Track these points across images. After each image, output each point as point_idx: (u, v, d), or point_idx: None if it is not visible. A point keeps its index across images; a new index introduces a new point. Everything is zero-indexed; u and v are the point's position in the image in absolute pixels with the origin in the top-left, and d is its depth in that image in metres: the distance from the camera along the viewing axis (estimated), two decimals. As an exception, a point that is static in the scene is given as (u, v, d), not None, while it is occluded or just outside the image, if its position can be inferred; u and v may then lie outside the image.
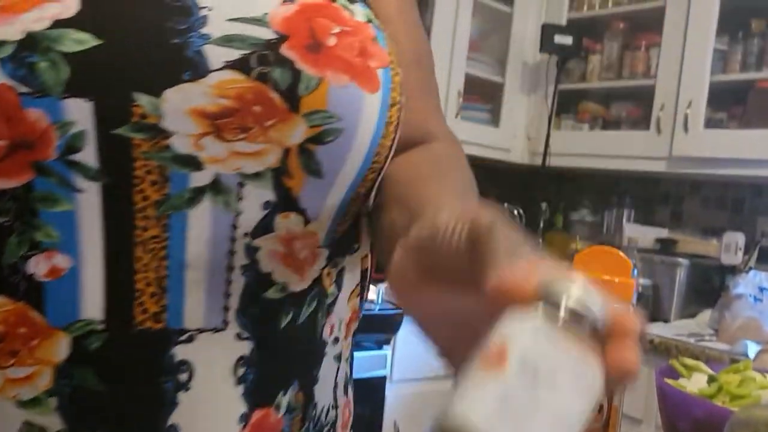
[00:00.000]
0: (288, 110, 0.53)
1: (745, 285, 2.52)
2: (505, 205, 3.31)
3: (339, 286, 0.67)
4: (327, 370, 0.67)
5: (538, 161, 3.17)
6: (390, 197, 0.64)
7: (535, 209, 3.32)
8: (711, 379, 0.73)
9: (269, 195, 0.55)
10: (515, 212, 3.40)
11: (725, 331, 2.44)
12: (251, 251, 0.56)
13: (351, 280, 0.69)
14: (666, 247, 2.93)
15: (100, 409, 0.52)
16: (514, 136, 3.23)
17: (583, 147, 3.12)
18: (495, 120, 3.22)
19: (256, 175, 0.54)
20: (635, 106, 3.06)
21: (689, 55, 2.71)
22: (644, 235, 2.98)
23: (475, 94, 3.13)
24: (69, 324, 0.50)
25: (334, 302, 0.65)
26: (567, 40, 2.99)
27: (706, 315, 2.67)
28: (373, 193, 0.65)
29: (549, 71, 3.13)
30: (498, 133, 3.17)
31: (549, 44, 3.00)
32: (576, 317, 0.36)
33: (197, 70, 0.51)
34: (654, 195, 3.19)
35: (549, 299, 0.36)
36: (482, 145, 3.01)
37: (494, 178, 3.33)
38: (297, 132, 0.55)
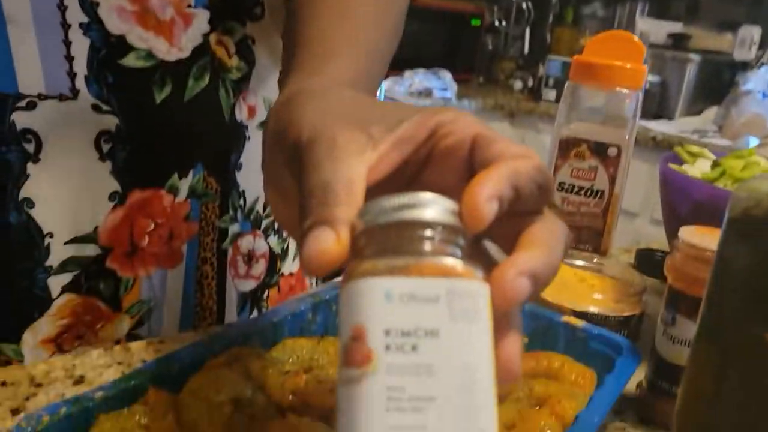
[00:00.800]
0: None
1: (755, 81, 2.47)
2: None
3: (248, 61, 0.61)
4: (255, 157, 0.59)
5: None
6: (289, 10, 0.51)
7: (544, 3, 3.16)
8: (714, 164, 0.74)
9: None
10: (524, 6, 3.25)
11: (729, 127, 2.44)
12: (89, 6, 0.51)
13: (275, 55, 0.62)
14: (678, 42, 2.83)
15: None
16: None
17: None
18: None
19: None
20: None
21: None
22: (657, 29, 2.86)
23: None
24: None
25: (245, 78, 0.60)
26: None
27: (711, 112, 2.65)
28: None
29: None
30: None
31: None
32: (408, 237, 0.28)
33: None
34: (671, -14, 3.02)
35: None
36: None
37: (503, -31, 3.13)
38: None
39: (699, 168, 0.76)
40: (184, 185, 0.60)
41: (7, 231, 0.53)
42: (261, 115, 0.63)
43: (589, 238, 0.82)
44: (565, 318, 0.61)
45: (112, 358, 0.55)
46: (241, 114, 0.61)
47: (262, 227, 0.67)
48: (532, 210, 0.32)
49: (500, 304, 0.28)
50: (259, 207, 0.66)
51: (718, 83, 2.71)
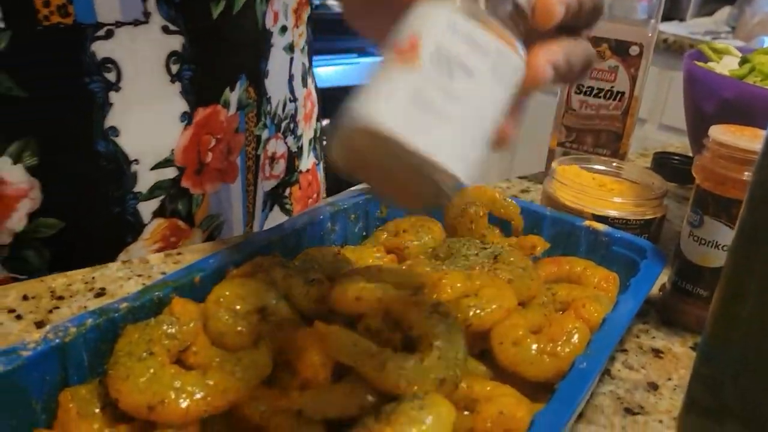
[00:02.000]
0: None
1: (771, -22, 2.37)
2: None
3: None
4: (277, 62, 0.65)
5: None
6: None
7: None
8: (743, 61, 0.71)
9: None
10: None
11: (743, 27, 2.36)
12: None
13: None
14: (693, -63, 2.70)
15: (26, 116, 0.51)
16: None
17: None
18: None
19: None
20: None
21: None
22: (671, -76, 2.72)
23: None
24: None
25: None
26: None
27: (724, 12, 2.56)
28: None
29: None
30: None
31: None
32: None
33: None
34: None
35: None
36: None
37: None
38: None
39: (725, 65, 0.73)
40: (234, 98, 0.61)
41: (96, 160, 0.54)
42: (281, 20, 0.64)
43: (608, 141, 0.80)
44: (587, 222, 0.60)
45: (131, 271, 0.55)
46: (268, 21, 0.62)
47: (282, 129, 0.68)
48: (579, 27, 0.38)
49: (528, 83, 0.34)
50: (279, 110, 0.67)
51: (733, -19, 2.61)
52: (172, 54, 0.56)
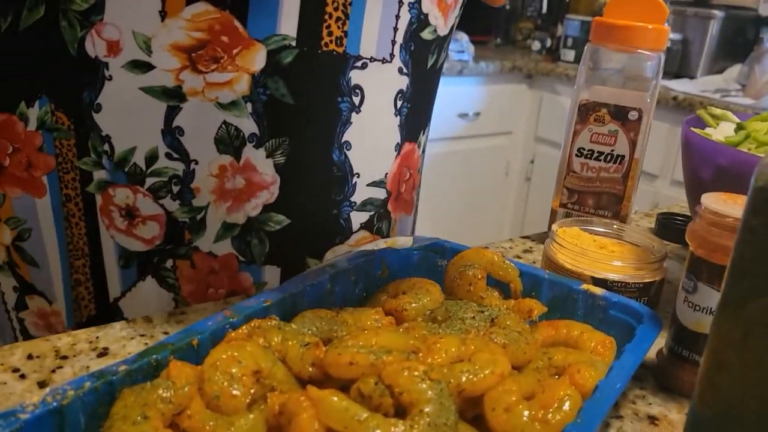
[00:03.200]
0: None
1: (780, 37, 2.40)
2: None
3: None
4: (120, 99, 0.61)
5: None
6: None
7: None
8: (739, 128, 0.72)
9: None
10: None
11: (752, 85, 2.38)
12: None
13: None
14: (701, -2, 2.76)
15: (288, 120, 0.61)
16: None
17: None
18: None
19: None
20: None
21: None
22: (679, -15, 2.78)
23: None
24: (267, 37, 0.56)
25: (95, 10, 0.58)
26: None
27: (734, 70, 2.59)
28: None
29: None
30: None
31: None
32: None
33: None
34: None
35: None
36: None
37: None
38: None
39: (722, 131, 0.74)
40: (33, 115, 0.60)
41: (330, 166, 0.65)
42: (130, 53, 0.56)
43: (609, 203, 0.81)
44: (585, 286, 0.61)
45: (134, 330, 0.56)
46: (95, 49, 0.57)
47: (147, 186, 0.61)
48: None
49: None
50: (139, 161, 0.60)
51: (742, 40, 2.65)
52: (400, 91, 0.68)
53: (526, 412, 0.44)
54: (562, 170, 0.82)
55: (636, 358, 0.50)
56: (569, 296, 0.60)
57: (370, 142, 0.67)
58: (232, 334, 0.48)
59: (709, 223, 0.52)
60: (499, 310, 0.56)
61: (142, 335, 0.55)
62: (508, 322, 0.54)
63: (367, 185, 0.69)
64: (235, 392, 0.42)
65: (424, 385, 0.42)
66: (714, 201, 0.52)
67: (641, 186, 0.83)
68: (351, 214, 0.69)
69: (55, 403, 0.38)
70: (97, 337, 0.54)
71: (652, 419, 0.51)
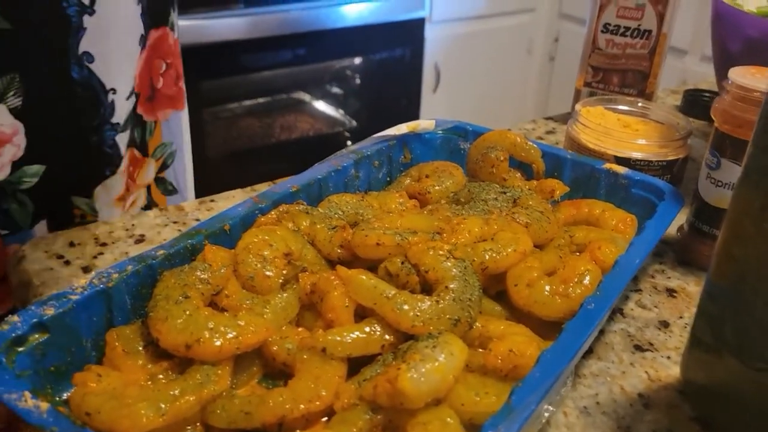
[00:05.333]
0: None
1: None
2: None
3: None
4: None
5: None
6: None
7: None
8: (773, -3, 0.69)
9: None
10: None
11: (792, -50, 2.25)
12: None
13: None
14: None
15: (9, 50, 0.51)
16: None
17: None
18: None
19: None
20: None
21: None
22: None
23: None
24: None
25: None
26: None
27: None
28: None
29: None
30: None
31: None
32: None
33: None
34: None
35: None
36: None
37: None
38: None
39: (755, 1, 0.72)
40: (175, 20, 0.61)
41: (72, 87, 0.54)
42: None
43: (635, 81, 0.79)
44: (607, 165, 0.61)
45: (167, 218, 0.58)
46: None
47: None
48: None
49: None
50: None
51: None
52: None
53: (547, 287, 0.46)
54: (587, 47, 0.80)
55: (656, 234, 0.51)
56: (592, 176, 0.61)
57: (114, 44, 0.55)
58: (262, 219, 0.50)
59: (735, 98, 0.51)
60: (522, 191, 0.57)
61: (175, 222, 0.57)
62: (531, 202, 0.55)
63: (127, 98, 0.57)
64: (268, 273, 0.44)
65: (449, 263, 0.44)
66: (742, 75, 0.52)
67: (669, 62, 0.81)
68: (117, 138, 0.58)
69: (101, 285, 0.40)
70: (133, 225, 0.56)
71: (671, 292, 0.53)
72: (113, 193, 0.60)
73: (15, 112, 0.52)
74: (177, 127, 0.64)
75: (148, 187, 0.64)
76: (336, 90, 2.15)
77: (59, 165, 0.56)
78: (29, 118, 0.53)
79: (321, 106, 2.16)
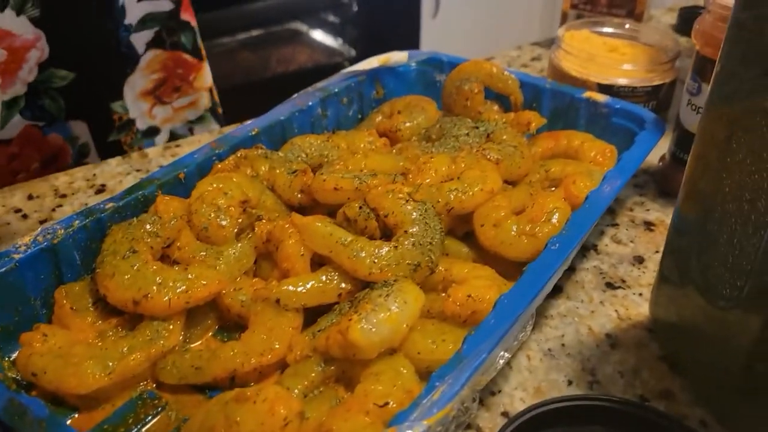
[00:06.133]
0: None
1: None
2: None
3: None
4: None
5: None
6: None
7: None
8: None
9: None
10: None
11: None
12: None
13: None
14: None
15: None
16: None
17: None
18: None
19: None
20: None
21: None
22: None
23: None
24: None
25: None
26: None
27: None
28: None
29: None
30: None
31: None
32: None
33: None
34: None
35: None
36: None
37: None
38: None
39: None
40: None
41: None
42: None
43: (624, 0, 0.75)
44: (588, 93, 0.58)
45: (130, 166, 0.56)
46: None
47: None
48: None
49: None
50: None
51: None
52: None
53: (514, 227, 0.44)
54: (573, -33, 0.76)
55: (632, 165, 0.48)
56: (571, 106, 0.58)
57: None
58: (219, 166, 0.48)
59: (717, 18, 0.48)
60: (496, 125, 0.54)
61: (138, 170, 0.56)
62: (504, 137, 0.53)
63: (139, 1, 0.61)
64: (222, 223, 0.43)
65: (408, 207, 0.42)
66: (726, -8, 0.48)
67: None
68: (131, 38, 0.62)
69: (46, 243, 0.39)
70: (94, 175, 0.55)
71: (648, 225, 0.51)
72: (136, 89, 0.64)
73: (35, 21, 0.56)
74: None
75: (210, 90, 0.69)
76: (332, 18, 2.08)
77: (86, 71, 0.61)
78: (49, 27, 0.57)
79: (318, 35, 2.10)
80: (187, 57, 0.65)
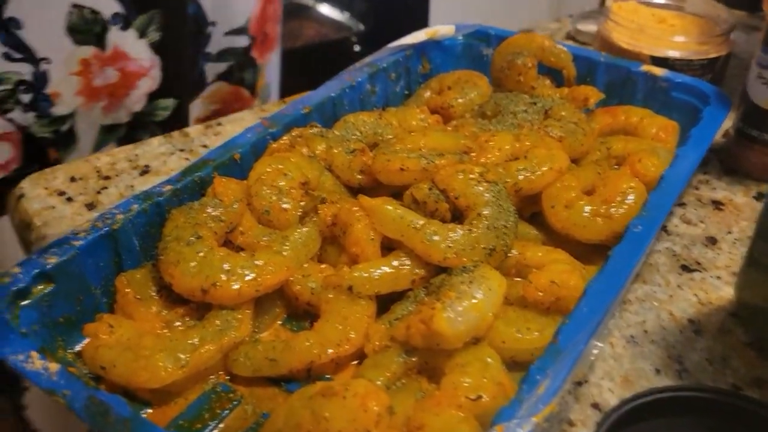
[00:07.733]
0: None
1: None
2: None
3: None
4: None
5: None
6: None
7: None
8: None
9: None
10: None
11: None
12: None
13: None
14: None
15: None
16: None
17: None
18: None
19: None
20: None
21: None
22: None
23: None
24: None
25: None
26: None
27: None
28: None
29: None
30: None
31: None
32: None
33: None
34: None
35: None
36: None
37: None
38: None
39: None
40: None
41: (187, 23, 0.58)
42: None
43: (670, -30, 0.72)
44: (644, 67, 0.56)
45: (173, 146, 0.54)
46: None
47: None
48: None
49: None
50: None
51: None
52: None
53: (587, 208, 0.42)
54: (617, -65, 0.73)
55: (704, 142, 0.46)
56: (628, 79, 0.56)
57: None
58: (274, 146, 0.46)
59: (796, -14, 0.45)
60: (553, 101, 0.52)
61: (181, 150, 0.54)
62: (563, 113, 0.51)
63: (225, 34, 0.62)
64: (285, 206, 0.41)
65: (480, 188, 0.40)
66: (803, -41, 0.46)
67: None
68: (206, 66, 0.63)
69: (105, 228, 0.37)
70: (136, 155, 0.53)
71: (717, 204, 0.49)
72: (192, 116, 0.64)
73: (154, 46, 0.55)
74: (274, 68, 0.69)
75: None
76: (340, -9, 2.04)
77: (187, 98, 0.61)
78: (166, 53, 0.56)
79: (325, 9, 2.06)
80: (245, 92, 0.66)
